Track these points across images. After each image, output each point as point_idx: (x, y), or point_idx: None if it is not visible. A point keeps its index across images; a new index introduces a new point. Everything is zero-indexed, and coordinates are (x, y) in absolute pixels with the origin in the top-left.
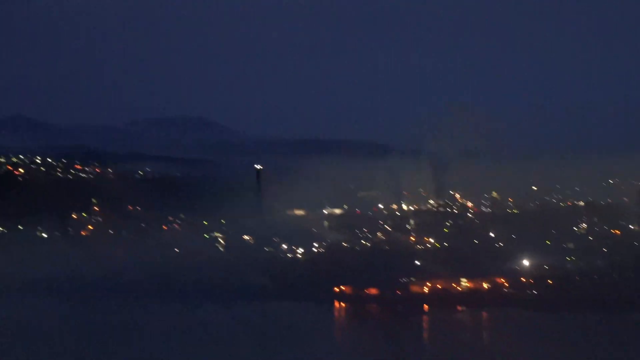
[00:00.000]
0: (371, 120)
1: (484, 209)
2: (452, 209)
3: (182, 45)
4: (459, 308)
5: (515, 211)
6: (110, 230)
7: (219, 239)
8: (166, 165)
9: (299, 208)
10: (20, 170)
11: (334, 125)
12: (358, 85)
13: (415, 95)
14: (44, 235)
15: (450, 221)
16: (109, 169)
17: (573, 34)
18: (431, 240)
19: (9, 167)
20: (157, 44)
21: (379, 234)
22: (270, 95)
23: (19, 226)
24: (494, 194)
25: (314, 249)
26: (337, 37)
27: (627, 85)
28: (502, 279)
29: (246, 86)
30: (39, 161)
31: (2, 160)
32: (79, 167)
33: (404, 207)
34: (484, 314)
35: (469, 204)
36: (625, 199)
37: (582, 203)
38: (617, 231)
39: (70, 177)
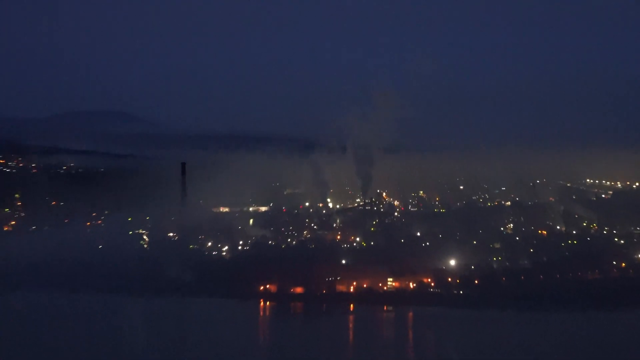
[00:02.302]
0: (298, 114)
1: (410, 207)
2: (378, 207)
3: (104, 38)
4: (385, 307)
5: (442, 210)
6: (33, 226)
7: (144, 236)
8: (90, 159)
9: (225, 205)
10: None
11: (262, 120)
12: (286, 79)
13: (340, 88)
14: None
15: (377, 219)
16: (32, 163)
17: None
18: (357, 238)
19: None
20: (79, 37)
21: (305, 232)
22: (195, 89)
23: None
24: (421, 193)
25: (239, 246)
26: (263, 32)
27: (560, 70)
28: (428, 279)
29: (171, 80)
30: None
31: None
32: (0, 160)
33: (330, 205)
34: (410, 314)
35: (396, 203)
36: (551, 198)
37: (508, 203)
38: (543, 231)
39: None
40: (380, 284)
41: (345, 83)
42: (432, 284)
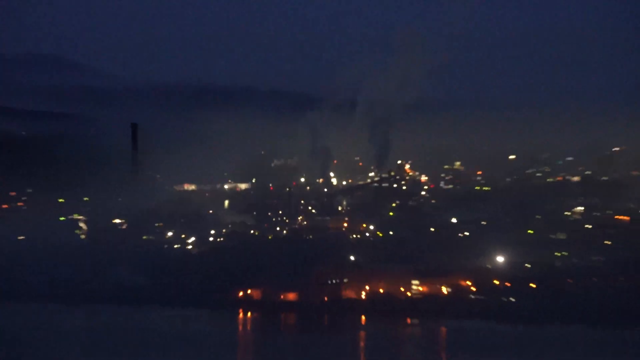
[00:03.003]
0: (292, 62)
1: (443, 184)
2: (399, 184)
3: None
4: (409, 321)
5: (486, 188)
6: None
7: (80, 223)
8: (7, 120)
9: (191, 181)
10: None
11: (242, 69)
12: (276, 17)
13: (348, 28)
14: None
15: (398, 201)
16: None
17: None
18: (371, 227)
19: None
20: None
21: (300, 218)
22: (155, 27)
23: None
24: (457, 164)
25: (210, 237)
26: None
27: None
28: (467, 281)
29: (122, 15)
30: None
31: None
32: None
33: (334, 181)
34: (443, 329)
35: (423, 178)
36: (635, 172)
37: (576, 178)
38: (624, 217)
39: None
40: (402, 289)
41: (357, 22)
42: (473, 289)
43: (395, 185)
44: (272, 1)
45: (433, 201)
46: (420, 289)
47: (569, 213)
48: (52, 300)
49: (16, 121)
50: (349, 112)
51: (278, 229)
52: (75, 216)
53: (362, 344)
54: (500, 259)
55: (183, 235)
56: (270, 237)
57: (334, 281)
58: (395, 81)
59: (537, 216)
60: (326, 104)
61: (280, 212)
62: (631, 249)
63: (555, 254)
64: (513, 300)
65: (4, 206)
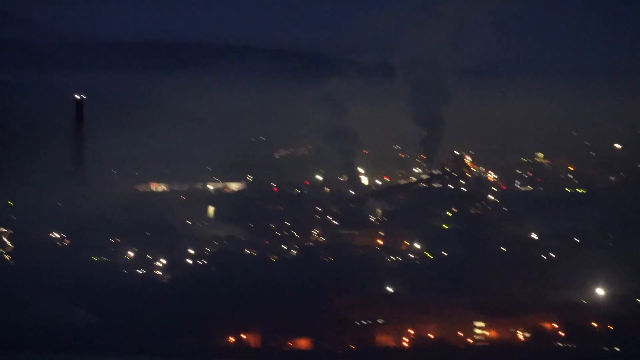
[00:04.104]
0: (297, 8)
1: (519, 184)
2: (457, 184)
3: None
4: None
5: (581, 190)
6: None
7: (2, 237)
8: None
9: (160, 179)
10: None
11: (228, 19)
12: None
13: None
14: None
15: (455, 208)
16: None
17: None
18: (416, 244)
19: None
20: None
21: (315, 231)
22: None
23: None
24: (539, 156)
25: (188, 259)
26: None
27: None
28: (552, 322)
29: None
30: None
31: None
32: None
33: (365, 179)
34: None
35: (491, 176)
36: None
37: None
38: None
39: None
40: (460, 333)
41: None
42: (561, 334)
43: (451, 186)
44: None
45: (504, 208)
46: (486, 333)
47: None
48: None
49: None
50: (383, 81)
51: (284, 247)
52: None
53: None
54: (600, 291)
55: (149, 256)
56: (273, 259)
57: (363, 322)
58: (450, 35)
59: None
60: (350, 69)
61: (287, 222)
62: None
63: None
64: (617, 350)
65: None
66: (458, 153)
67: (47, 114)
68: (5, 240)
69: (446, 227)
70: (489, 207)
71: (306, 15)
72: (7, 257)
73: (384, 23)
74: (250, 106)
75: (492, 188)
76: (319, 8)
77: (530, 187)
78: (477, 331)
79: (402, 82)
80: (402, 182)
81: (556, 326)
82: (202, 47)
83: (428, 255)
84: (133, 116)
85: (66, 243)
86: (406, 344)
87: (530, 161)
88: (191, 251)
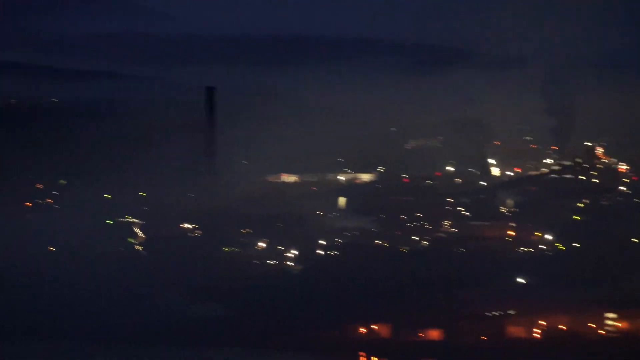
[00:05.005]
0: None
1: None
2: (589, 175)
3: None
4: None
5: None
6: None
7: (134, 228)
8: (40, 82)
9: (291, 170)
10: None
11: (353, 13)
12: None
13: None
14: None
15: (586, 199)
16: None
17: None
18: (548, 236)
19: None
20: None
21: (446, 223)
22: None
23: None
24: None
25: (319, 250)
26: None
27: None
28: None
29: None
30: None
31: None
32: None
33: (496, 170)
34: None
35: (623, 167)
36: None
37: None
38: None
39: None
40: (591, 325)
41: None
42: None
43: (582, 177)
44: None
45: (636, 199)
46: (619, 324)
47: None
48: (91, 338)
49: (52, 84)
50: (514, 72)
51: (415, 238)
52: (127, 218)
53: None
54: None
55: (280, 247)
56: (403, 250)
57: (494, 313)
58: (582, 26)
59: None
60: (480, 61)
61: (418, 214)
62: None
63: None
64: None
65: (27, 204)
66: (589, 144)
67: (179, 106)
68: (137, 230)
69: (577, 218)
70: (621, 199)
71: (434, 8)
72: (138, 247)
73: (512, 15)
74: (381, 98)
75: (624, 179)
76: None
77: None
78: (608, 323)
79: (533, 74)
80: (533, 173)
81: None
82: (332, 40)
83: (559, 246)
84: (264, 108)
85: (198, 234)
86: (537, 335)
87: None
88: (322, 242)
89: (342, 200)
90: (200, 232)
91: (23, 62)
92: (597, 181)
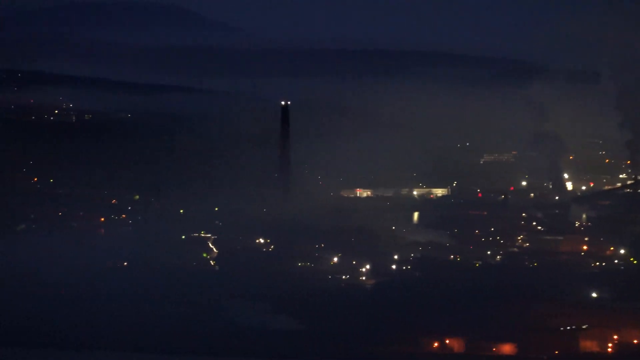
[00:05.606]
0: (500, 16)
1: None
2: None
3: None
4: None
5: None
6: None
7: (208, 243)
8: (105, 95)
9: (365, 185)
10: None
11: (434, 28)
12: None
13: None
14: None
15: None
16: None
17: None
18: (622, 250)
19: None
20: None
21: (519, 237)
22: None
23: None
24: None
25: (392, 265)
26: None
27: None
28: None
29: None
30: None
31: None
32: None
33: (569, 185)
34: None
35: None
36: None
37: None
38: None
39: None
40: None
41: None
42: None
43: None
44: None
45: None
46: None
47: None
48: (167, 351)
49: (115, 97)
50: (589, 87)
51: (488, 252)
52: (202, 234)
53: None
54: None
55: (354, 262)
56: (477, 264)
57: (567, 327)
58: None
59: None
60: (555, 75)
61: (491, 228)
62: None
63: None
64: None
65: (101, 219)
66: None
67: (253, 120)
68: (210, 245)
69: None
70: None
71: (508, 21)
72: (212, 262)
73: (586, 28)
74: (453, 112)
75: None
76: (512, 14)
77: None
78: None
79: (607, 87)
80: (607, 187)
81: None
82: (401, 54)
83: (634, 261)
84: (336, 123)
85: (271, 249)
86: (610, 350)
87: None
88: (395, 256)
89: (415, 215)
90: (274, 247)
91: (96, 77)
92: None
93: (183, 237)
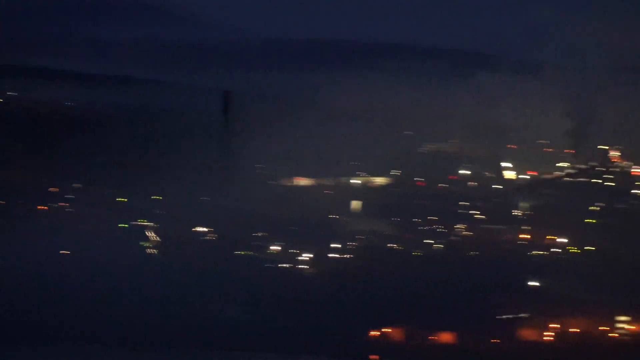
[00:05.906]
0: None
1: None
2: (604, 178)
3: None
4: None
5: None
6: None
7: (148, 232)
8: (57, 86)
9: (306, 174)
10: None
11: (374, 19)
12: None
13: None
14: None
15: (601, 203)
16: None
17: None
18: (562, 239)
19: None
20: None
21: (460, 226)
22: None
23: None
24: None
25: (333, 253)
26: None
27: None
28: None
29: None
30: None
31: None
32: None
33: (511, 174)
34: None
35: (636, 170)
36: None
37: None
38: None
39: None
40: (604, 327)
41: None
42: None
43: (597, 181)
44: None
45: None
46: (631, 327)
47: None
48: (109, 343)
49: (62, 88)
50: (529, 76)
51: (429, 241)
52: (142, 222)
53: None
54: None
55: (295, 250)
56: (417, 254)
57: (507, 316)
58: (603, 29)
59: None
60: (497, 65)
61: (432, 217)
62: None
63: None
64: None
65: (41, 207)
66: (605, 147)
67: (194, 111)
68: (152, 235)
69: (592, 221)
70: (635, 202)
71: (451, 13)
72: (151, 251)
73: (529, 19)
74: (396, 102)
75: (638, 183)
76: (467, 6)
77: None
78: (621, 325)
79: (549, 77)
80: (548, 176)
81: None
82: (348, 44)
83: (573, 249)
84: (280, 113)
85: (212, 237)
86: (550, 338)
87: None
88: (336, 245)
89: (356, 204)
90: (215, 236)
91: (42, 66)
92: (612, 184)
93: (123, 225)
